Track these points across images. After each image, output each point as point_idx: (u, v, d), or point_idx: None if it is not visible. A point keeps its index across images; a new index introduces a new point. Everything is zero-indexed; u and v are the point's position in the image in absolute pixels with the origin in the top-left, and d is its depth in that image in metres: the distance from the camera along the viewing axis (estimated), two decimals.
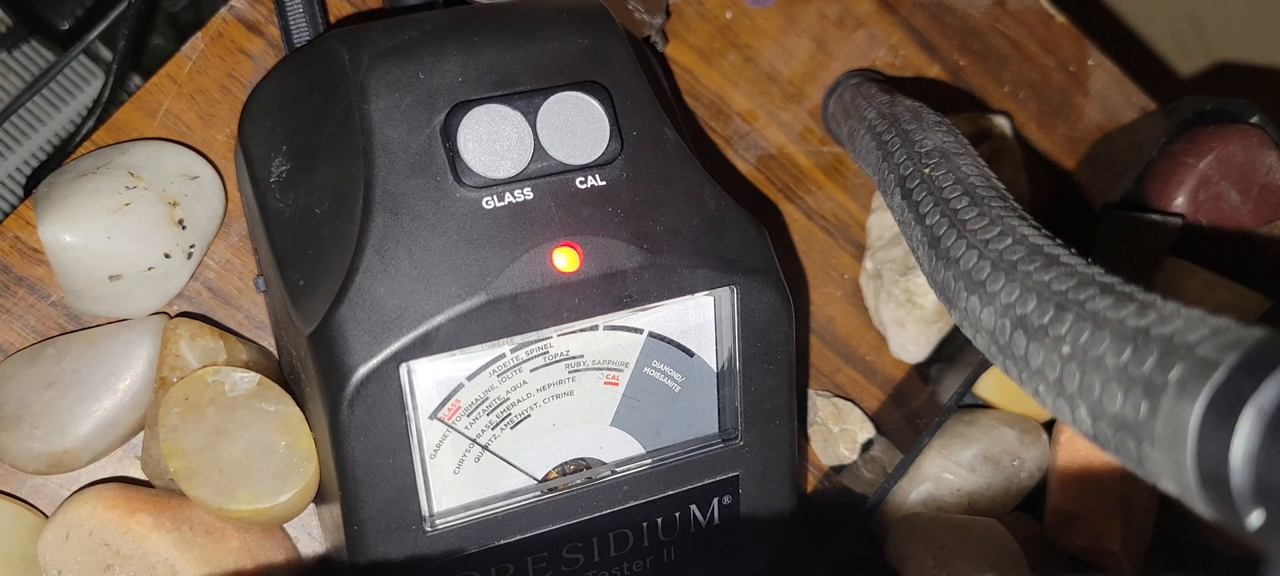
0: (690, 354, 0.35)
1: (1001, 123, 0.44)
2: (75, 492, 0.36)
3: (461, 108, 0.31)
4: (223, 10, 0.38)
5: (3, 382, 0.35)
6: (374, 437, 0.31)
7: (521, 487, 0.34)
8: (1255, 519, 0.18)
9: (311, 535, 0.39)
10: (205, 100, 0.38)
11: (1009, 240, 0.27)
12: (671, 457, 0.35)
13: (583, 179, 0.32)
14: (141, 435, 0.37)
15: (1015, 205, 0.29)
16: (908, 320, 0.42)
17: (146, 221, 0.35)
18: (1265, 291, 0.41)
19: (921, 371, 0.44)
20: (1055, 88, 0.45)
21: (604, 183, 0.32)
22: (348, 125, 0.31)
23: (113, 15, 0.47)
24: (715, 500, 0.36)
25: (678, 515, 0.36)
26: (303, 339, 0.31)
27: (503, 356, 0.32)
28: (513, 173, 0.31)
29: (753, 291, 0.34)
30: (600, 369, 0.34)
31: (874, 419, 0.44)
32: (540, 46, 0.32)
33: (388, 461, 0.31)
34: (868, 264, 0.43)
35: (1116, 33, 0.75)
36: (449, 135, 0.31)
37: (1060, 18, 0.45)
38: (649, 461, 0.35)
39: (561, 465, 0.34)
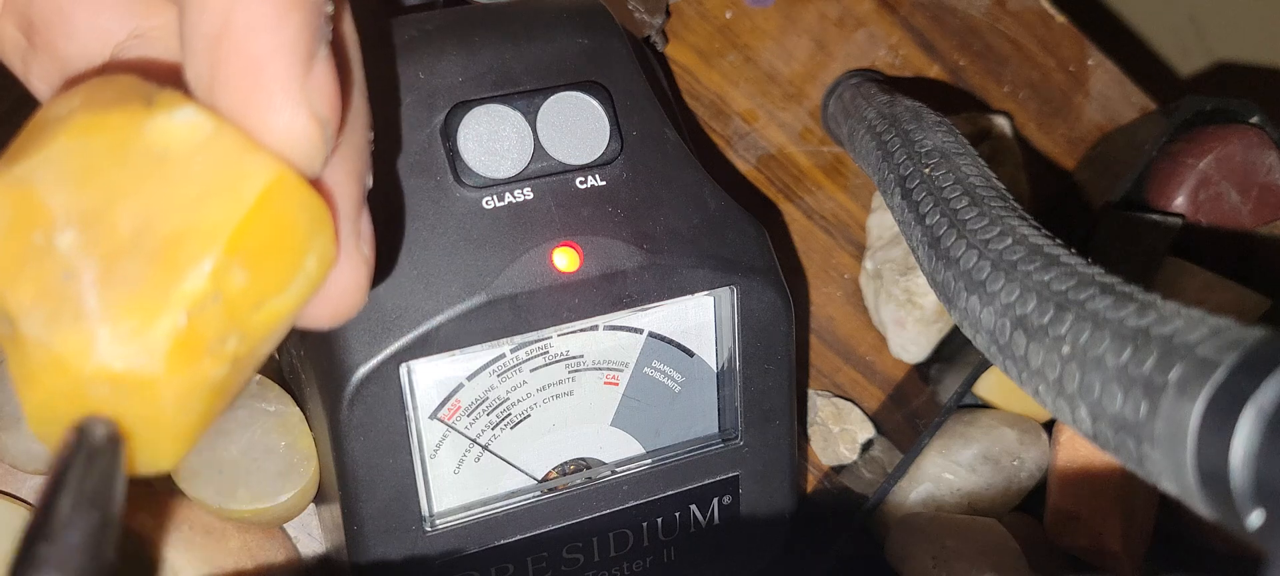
0: (690, 354, 0.35)
1: (1001, 123, 0.44)
2: None
3: (461, 108, 0.31)
4: None
5: (3, 382, 0.35)
6: (374, 437, 0.31)
7: (521, 487, 0.34)
8: (1255, 519, 0.18)
9: (311, 535, 0.39)
10: None
11: (1009, 240, 0.27)
12: (671, 457, 0.35)
13: (583, 179, 0.32)
14: None
15: (1015, 205, 0.29)
16: (908, 320, 0.42)
17: None
18: (1265, 291, 0.41)
19: (921, 371, 0.44)
20: (1055, 88, 0.45)
21: (604, 183, 0.32)
22: None
23: None
24: (715, 500, 0.36)
25: (678, 515, 0.36)
26: (302, 339, 0.31)
27: (503, 356, 0.32)
28: (513, 173, 0.31)
29: (753, 291, 0.34)
30: (600, 369, 0.34)
31: (874, 419, 0.44)
32: (540, 46, 0.32)
33: (388, 461, 0.31)
34: (868, 264, 0.43)
35: (1116, 33, 0.75)
36: (449, 135, 0.31)
37: (1060, 18, 0.45)
38: (649, 461, 0.35)
39: (561, 465, 0.35)
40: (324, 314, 0.21)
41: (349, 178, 0.21)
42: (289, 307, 0.18)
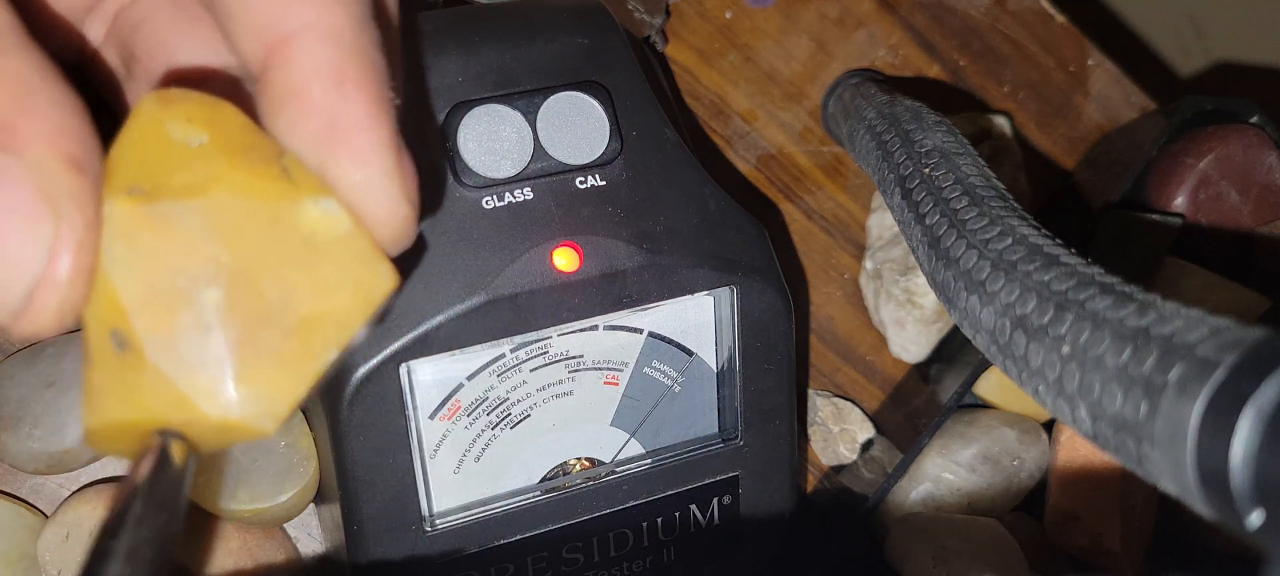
0: (690, 354, 0.35)
1: (1001, 123, 0.44)
2: (75, 492, 0.36)
3: (461, 107, 0.31)
4: None
5: (3, 382, 0.35)
6: (374, 437, 0.31)
7: (521, 487, 0.34)
8: (1255, 519, 0.18)
9: (311, 535, 0.39)
10: None
11: (1009, 240, 0.27)
12: (671, 457, 0.35)
13: (583, 179, 0.32)
14: None
15: (1015, 205, 0.29)
16: (908, 320, 0.42)
17: None
18: (1265, 291, 0.41)
19: (921, 371, 0.44)
20: (1055, 88, 0.45)
21: (604, 183, 0.32)
22: None
23: None
24: (715, 500, 0.36)
25: (678, 515, 0.36)
26: None
27: (502, 356, 0.32)
28: (512, 173, 0.31)
29: (753, 291, 0.34)
30: (600, 369, 0.34)
31: (874, 419, 0.44)
32: (540, 46, 0.32)
33: (388, 461, 0.31)
34: (868, 264, 0.43)
35: (1116, 33, 0.76)
36: (449, 135, 0.31)
37: (1060, 18, 0.45)
38: (649, 461, 0.35)
39: (561, 465, 0.35)
40: None
41: None
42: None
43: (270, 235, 0.19)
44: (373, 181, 0.20)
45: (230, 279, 0.18)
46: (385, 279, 0.20)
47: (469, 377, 0.32)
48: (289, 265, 0.19)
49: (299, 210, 0.19)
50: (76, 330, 0.37)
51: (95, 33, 0.24)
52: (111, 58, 0.25)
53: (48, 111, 0.17)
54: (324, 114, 0.19)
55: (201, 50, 0.23)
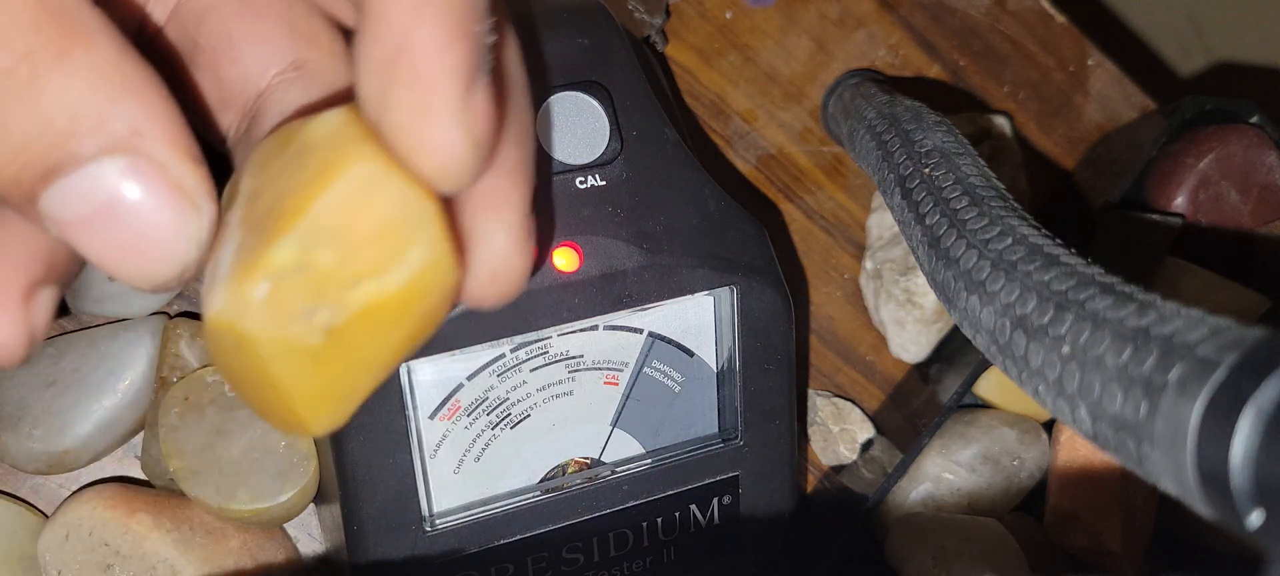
0: (690, 354, 0.35)
1: (1001, 123, 0.44)
2: (75, 492, 0.36)
3: None
4: None
5: (3, 382, 0.35)
6: (374, 437, 0.31)
7: (521, 487, 0.34)
8: (1255, 519, 0.18)
9: (311, 535, 0.39)
10: None
11: (1009, 240, 0.27)
12: (671, 457, 0.35)
13: (583, 179, 0.32)
14: (141, 435, 0.37)
15: (1015, 205, 0.29)
16: (908, 320, 0.42)
17: None
18: (1265, 291, 0.41)
19: (921, 371, 0.44)
20: (1055, 88, 0.45)
21: (604, 183, 0.32)
22: None
23: None
24: (715, 500, 0.36)
25: (678, 515, 0.36)
26: None
27: (503, 356, 0.32)
28: None
29: (753, 291, 0.34)
30: (600, 369, 0.34)
31: (874, 419, 0.44)
32: (540, 46, 0.32)
33: (388, 461, 0.31)
34: (868, 264, 0.43)
35: (1116, 33, 0.76)
36: None
37: (1060, 18, 0.45)
38: (649, 461, 0.35)
39: (561, 465, 0.35)
40: (488, 295, 0.23)
41: (516, 185, 0.23)
42: (393, 291, 0.20)
43: (279, 155, 0.20)
44: (431, 105, 0.19)
45: (245, 201, 0.20)
46: (348, 159, 0.19)
47: (469, 377, 0.32)
48: (283, 174, 0.20)
49: (306, 126, 0.20)
50: (74, 330, 0.37)
51: (158, 13, 0.24)
52: (172, 41, 0.24)
53: (157, 108, 0.18)
54: (394, 38, 0.19)
55: (266, 48, 0.23)
